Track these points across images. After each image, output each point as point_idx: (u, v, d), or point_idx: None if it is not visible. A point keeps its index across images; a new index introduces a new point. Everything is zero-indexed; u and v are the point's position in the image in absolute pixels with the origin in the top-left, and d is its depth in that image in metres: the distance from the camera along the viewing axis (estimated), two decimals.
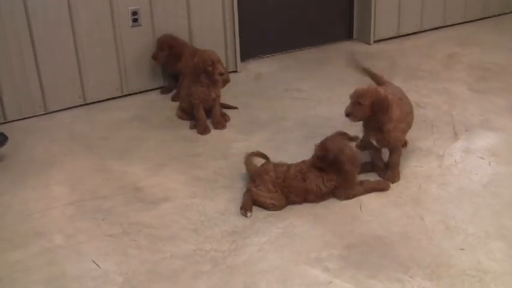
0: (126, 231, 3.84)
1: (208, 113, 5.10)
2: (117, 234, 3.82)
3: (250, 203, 3.97)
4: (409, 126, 4.34)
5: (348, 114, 4.09)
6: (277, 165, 4.10)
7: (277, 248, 3.65)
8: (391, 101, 4.06)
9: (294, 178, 4.00)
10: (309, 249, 3.64)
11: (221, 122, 5.10)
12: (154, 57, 5.52)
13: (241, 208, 3.96)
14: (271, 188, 3.98)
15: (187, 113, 5.16)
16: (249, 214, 3.92)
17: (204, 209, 4.01)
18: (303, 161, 4.13)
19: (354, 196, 4.07)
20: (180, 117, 5.22)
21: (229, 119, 5.20)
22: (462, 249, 3.62)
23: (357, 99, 4.05)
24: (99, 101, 5.56)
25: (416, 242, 3.69)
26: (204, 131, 5.01)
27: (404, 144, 4.53)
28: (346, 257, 3.57)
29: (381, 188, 4.16)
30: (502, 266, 3.47)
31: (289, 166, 4.08)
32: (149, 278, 3.45)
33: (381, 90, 4.10)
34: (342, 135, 4.20)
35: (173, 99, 5.58)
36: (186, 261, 3.56)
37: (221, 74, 4.94)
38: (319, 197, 4.04)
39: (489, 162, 4.49)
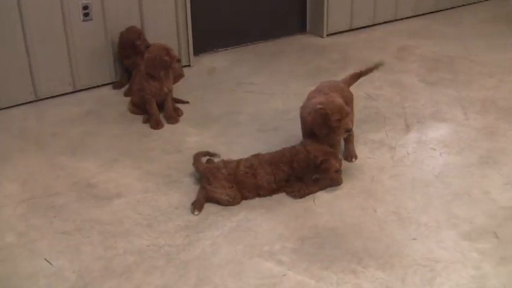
0: (78, 228, 3.80)
1: (161, 107, 5.08)
2: (70, 231, 3.78)
3: (203, 201, 3.96)
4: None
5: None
6: (226, 162, 4.10)
7: (230, 242, 3.65)
8: None
9: (244, 174, 4.01)
10: (262, 242, 3.65)
11: (174, 117, 5.09)
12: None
13: (192, 204, 3.95)
14: (226, 184, 3.97)
15: (139, 108, 5.14)
16: (196, 213, 3.90)
17: (157, 204, 3.99)
18: (255, 156, 4.13)
19: (309, 194, 4.07)
20: (133, 112, 5.19)
21: (182, 113, 5.18)
22: (414, 239, 3.66)
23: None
24: (51, 97, 5.48)
25: (369, 232, 3.72)
26: (157, 125, 4.99)
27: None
28: (299, 250, 3.58)
29: (333, 184, 4.14)
30: (453, 255, 3.52)
31: (238, 162, 4.08)
32: (102, 274, 3.42)
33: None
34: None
35: (126, 94, 5.53)
36: (139, 257, 3.54)
37: (178, 61, 4.99)
38: (271, 192, 4.05)
39: (440, 153, 4.55)
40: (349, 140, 4.45)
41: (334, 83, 4.51)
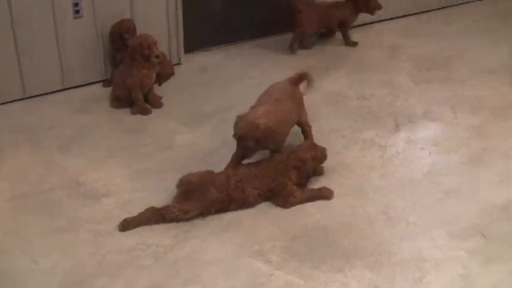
0: (68, 226, 3.80)
1: (144, 97, 5.20)
2: (60, 229, 3.78)
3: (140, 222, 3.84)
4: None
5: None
6: (214, 175, 3.99)
7: (220, 241, 3.65)
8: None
9: (235, 189, 3.91)
10: (252, 241, 3.65)
11: (159, 101, 5.26)
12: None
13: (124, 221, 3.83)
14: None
15: (123, 101, 5.21)
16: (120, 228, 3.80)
17: (146, 203, 3.95)
18: (243, 168, 4.07)
19: (298, 203, 4.01)
20: (116, 107, 5.23)
21: (161, 98, 5.34)
22: (403, 238, 3.67)
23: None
24: (41, 94, 5.45)
25: (358, 231, 3.73)
26: (145, 111, 5.12)
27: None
28: (289, 249, 3.59)
29: (324, 196, 4.07)
30: (441, 253, 3.54)
31: (227, 176, 3.97)
32: (92, 272, 3.43)
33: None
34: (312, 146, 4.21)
35: (105, 85, 5.58)
36: (128, 256, 3.54)
37: (157, 57, 5.05)
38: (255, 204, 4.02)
39: (429, 152, 4.56)
40: (306, 135, 4.49)
41: (283, 85, 4.45)
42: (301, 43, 6.37)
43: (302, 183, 4.07)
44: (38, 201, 4.04)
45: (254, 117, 4.04)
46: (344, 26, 6.45)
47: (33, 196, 4.09)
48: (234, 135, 4.05)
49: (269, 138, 4.02)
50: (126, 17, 5.57)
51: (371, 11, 6.43)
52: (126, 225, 3.78)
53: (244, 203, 3.93)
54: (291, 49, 6.31)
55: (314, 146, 4.15)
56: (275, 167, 4.01)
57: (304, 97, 4.52)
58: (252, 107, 4.24)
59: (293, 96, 4.36)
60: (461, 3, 7.74)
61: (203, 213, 3.85)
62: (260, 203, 4.00)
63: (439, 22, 7.23)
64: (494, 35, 6.84)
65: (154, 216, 3.81)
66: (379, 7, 6.44)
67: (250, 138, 3.98)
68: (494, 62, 6.12)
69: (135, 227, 3.78)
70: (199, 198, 3.83)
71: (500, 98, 5.38)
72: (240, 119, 4.08)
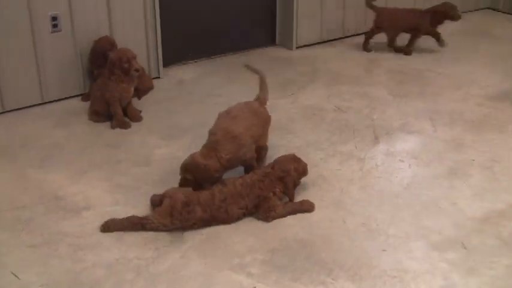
0: (46, 241, 3.76)
1: (123, 111, 5.20)
2: (37, 244, 3.74)
3: (122, 227, 3.87)
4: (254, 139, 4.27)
5: None
6: (199, 193, 3.96)
7: (200, 254, 3.64)
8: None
9: (218, 209, 3.89)
10: (232, 254, 3.64)
11: (138, 115, 5.26)
12: None
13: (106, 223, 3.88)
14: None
15: (102, 115, 5.20)
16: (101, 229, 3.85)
17: (127, 216, 3.95)
18: (228, 185, 3.99)
19: (279, 217, 3.99)
20: (95, 121, 5.22)
21: (140, 112, 5.35)
22: (384, 250, 3.69)
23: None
24: (19, 109, 5.42)
25: (338, 244, 3.74)
26: (124, 125, 5.11)
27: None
28: (269, 261, 3.58)
29: (305, 209, 4.06)
30: (422, 265, 3.55)
31: (212, 194, 3.92)
32: (72, 287, 3.39)
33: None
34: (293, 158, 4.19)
35: (83, 99, 5.58)
36: (108, 270, 3.51)
37: (137, 71, 5.06)
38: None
39: (409, 164, 4.59)
40: (260, 157, 4.42)
41: (249, 104, 4.42)
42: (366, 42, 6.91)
43: (290, 193, 4.06)
44: (15, 216, 3.99)
45: (196, 156, 4.05)
46: (416, 32, 6.77)
47: (10, 211, 4.04)
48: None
49: (207, 176, 4.01)
50: (104, 31, 5.57)
51: (452, 18, 6.73)
52: (107, 228, 3.83)
53: (226, 222, 3.92)
54: (365, 48, 6.91)
55: (297, 158, 4.15)
56: (261, 182, 3.99)
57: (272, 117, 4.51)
58: (210, 131, 4.22)
59: (257, 116, 4.34)
60: None
61: (184, 229, 3.84)
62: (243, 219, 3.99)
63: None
64: (471, 49, 6.94)
65: (135, 225, 3.82)
66: (458, 17, 6.75)
67: (190, 174, 4.02)
68: (470, 76, 6.20)
69: (116, 230, 3.82)
70: (182, 216, 3.82)
71: (477, 111, 5.44)
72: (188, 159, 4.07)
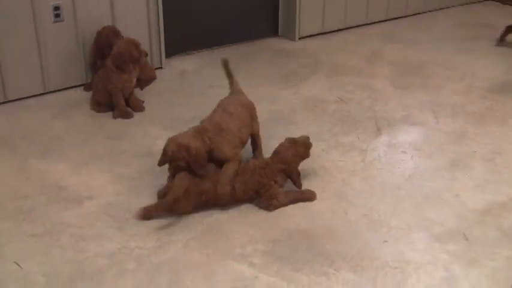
0: (48, 231, 3.76)
1: (125, 102, 5.21)
2: (39, 234, 3.74)
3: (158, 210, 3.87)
4: (242, 141, 4.22)
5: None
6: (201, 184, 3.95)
7: (201, 244, 3.64)
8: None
9: (223, 199, 3.93)
10: (234, 244, 3.64)
11: (140, 105, 5.28)
12: None
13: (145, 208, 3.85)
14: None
15: (104, 105, 5.20)
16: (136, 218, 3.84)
17: (128, 207, 3.96)
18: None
19: (282, 206, 3.99)
20: (97, 111, 5.23)
21: (143, 102, 5.37)
22: (385, 241, 3.69)
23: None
24: (21, 99, 5.42)
25: (340, 235, 3.74)
26: (126, 115, 5.12)
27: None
28: (271, 252, 3.58)
29: (307, 198, 4.07)
30: (423, 257, 3.55)
31: (214, 186, 3.93)
32: (73, 277, 3.39)
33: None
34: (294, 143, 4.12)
35: (86, 89, 5.60)
36: (110, 260, 3.52)
37: (146, 55, 5.19)
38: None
39: (411, 156, 4.59)
40: (256, 146, 4.44)
41: (238, 97, 4.41)
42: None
43: (297, 183, 4.04)
44: (17, 206, 3.99)
45: (184, 139, 3.96)
46: None
47: (12, 201, 4.04)
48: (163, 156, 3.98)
49: (198, 162, 3.93)
50: (106, 21, 5.56)
51: None
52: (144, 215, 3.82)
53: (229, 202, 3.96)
54: (501, 41, 6.92)
55: (294, 143, 4.08)
56: (262, 169, 3.98)
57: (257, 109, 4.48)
58: (202, 121, 4.19)
59: (247, 109, 4.33)
60: (440, 9, 7.86)
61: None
62: (245, 202, 4.00)
63: (418, 27, 7.32)
64: (472, 41, 6.93)
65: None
66: None
67: (180, 160, 3.91)
68: (472, 68, 6.19)
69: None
70: (189, 203, 3.86)
71: (479, 103, 5.43)
72: (170, 140, 3.98)
